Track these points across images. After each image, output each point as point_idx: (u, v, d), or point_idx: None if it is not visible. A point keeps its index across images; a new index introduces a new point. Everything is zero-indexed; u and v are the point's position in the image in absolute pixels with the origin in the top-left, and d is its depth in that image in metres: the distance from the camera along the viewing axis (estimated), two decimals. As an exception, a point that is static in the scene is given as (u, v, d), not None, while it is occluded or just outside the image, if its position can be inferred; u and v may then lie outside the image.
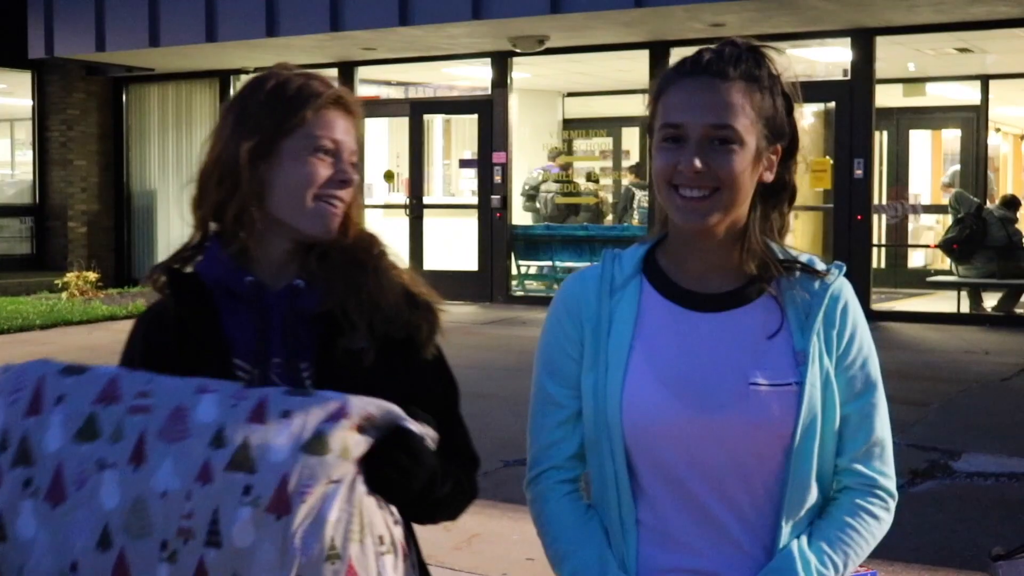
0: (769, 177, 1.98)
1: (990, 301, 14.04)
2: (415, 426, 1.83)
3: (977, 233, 13.61)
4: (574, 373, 2.02)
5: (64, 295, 15.53)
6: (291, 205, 1.95)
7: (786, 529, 1.94)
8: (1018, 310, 13.80)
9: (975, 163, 16.67)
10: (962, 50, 14.53)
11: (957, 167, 17.55)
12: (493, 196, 15.56)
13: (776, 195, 2.02)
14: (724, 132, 1.90)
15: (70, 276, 15.86)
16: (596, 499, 2.04)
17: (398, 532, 1.84)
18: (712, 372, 1.94)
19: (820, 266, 2.02)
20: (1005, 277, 13.58)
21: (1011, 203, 14.17)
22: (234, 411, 1.71)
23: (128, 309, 13.92)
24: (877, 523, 2.00)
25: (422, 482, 1.86)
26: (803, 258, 2.02)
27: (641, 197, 16.72)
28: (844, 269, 2.03)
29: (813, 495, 1.97)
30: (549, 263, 16.22)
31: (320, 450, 1.69)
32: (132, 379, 1.78)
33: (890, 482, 2.02)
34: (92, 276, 15.88)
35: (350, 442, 1.72)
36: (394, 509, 1.84)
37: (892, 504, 2.03)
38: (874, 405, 2.01)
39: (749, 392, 1.92)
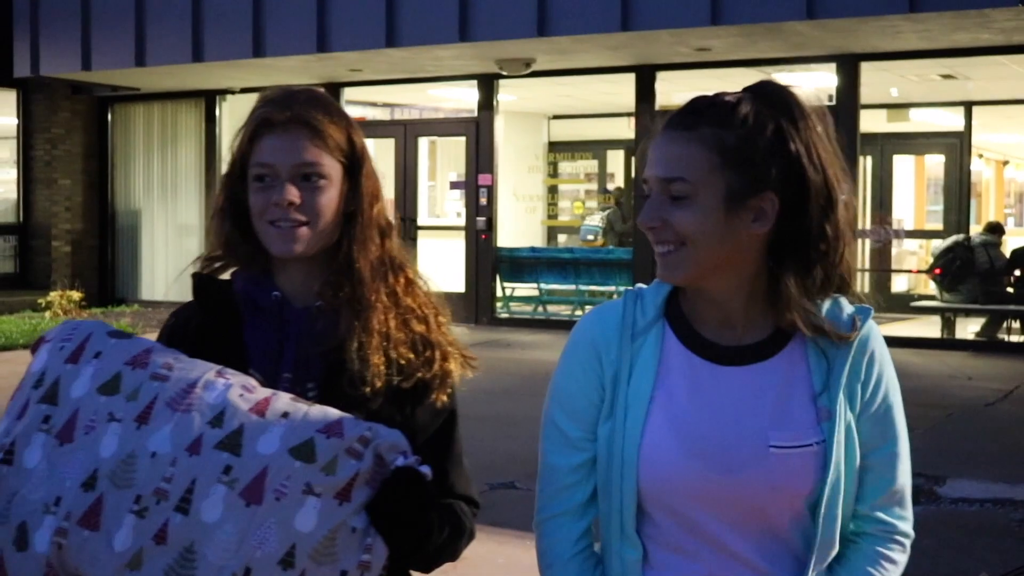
0: (762, 229, 1.84)
1: (974, 327, 14.08)
2: (413, 460, 1.81)
3: (965, 260, 13.66)
4: (593, 417, 1.94)
5: (48, 314, 15.43)
6: (257, 228, 2.01)
7: None
8: (1001, 336, 13.85)
9: (958, 189, 16.73)
10: (946, 76, 14.62)
11: None
12: (479, 218, 15.57)
13: (799, 247, 1.85)
14: (674, 186, 1.82)
15: (54, 295, 15.76)
16: (603, 544, 1.98)
17: None
18: (732, 432, 1.87)
19: (848, 310, 1.94)
20: (988, 302, 13.63)
21: (995, 229, 14.22)
22: (240, 400, 1.80)
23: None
24: (895, 567, 1.96)
25: (424, 531, 1.84)
26: (826, 305, 1.92)
27: (616, 221, 16.78)
28: (871, 313, 1.95)
29: (836, 548, 1.93)
30: (534, 285, 16.21)
31: (306, 457, 1.74)
32: (164, 353, 1.89)
33: (908, 525, 1.98)
34: (76, 295, 15.78)
35: (338, 461, 1.75)
36: (376, 559, 1.79)
37: (909, 543, 1.99)
38: (896, 455, 1.95)
39: (769, 455, 1.86)
